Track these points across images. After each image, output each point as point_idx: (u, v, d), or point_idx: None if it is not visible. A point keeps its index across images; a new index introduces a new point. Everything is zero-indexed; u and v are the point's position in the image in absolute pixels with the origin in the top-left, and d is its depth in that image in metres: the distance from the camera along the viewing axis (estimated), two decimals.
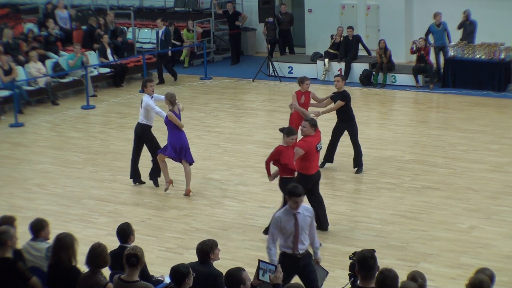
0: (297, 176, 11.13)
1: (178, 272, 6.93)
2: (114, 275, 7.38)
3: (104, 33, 22.60)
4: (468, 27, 20.65)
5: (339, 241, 11.19)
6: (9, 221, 8.32)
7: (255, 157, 14.98)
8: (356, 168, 14.19)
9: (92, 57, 21.91)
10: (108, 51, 22.04)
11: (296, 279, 8.49)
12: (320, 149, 11.25)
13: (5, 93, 19.25)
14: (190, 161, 13.24)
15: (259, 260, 7.34)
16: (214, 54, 25.62)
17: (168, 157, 13.17)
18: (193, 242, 9.95)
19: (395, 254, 10.72)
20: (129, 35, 25.19)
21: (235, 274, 6.81)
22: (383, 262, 8.78)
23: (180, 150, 13.03)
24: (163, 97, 13.37)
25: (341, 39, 21.60)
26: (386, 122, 17.94)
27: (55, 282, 7.52)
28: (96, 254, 7.28)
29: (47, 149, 16.61)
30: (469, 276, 6.62)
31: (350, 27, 21.59)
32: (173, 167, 13.79)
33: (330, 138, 14.17)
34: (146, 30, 25.61)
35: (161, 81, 22.14)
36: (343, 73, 21.03)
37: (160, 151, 13.23)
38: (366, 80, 21.09)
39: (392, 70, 21.14)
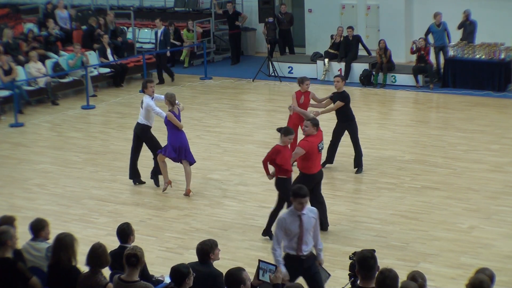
0: (299, 176, 11.13)
1: (178, 272, 6.93)
2: (114, 275, 7.38)
3: (104, 33, 22.60)
4: (468, 27, 20.65)
5: (339, 241, 11.19)
6: (9, 221, 8.32)
7: (255, 157, 14.97)
8: (356, 168, 14.20)
9: (92, 57, 21.91)
10: (108, 51, 22.05)
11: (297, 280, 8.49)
12: (322, 148, 11.24)
13: (5, 93, 19.25)
14: (192, 161, 13.24)
15: (259, 260, 7.35)
16: (214, 54, 25.62)
17: (168, 158, 13.17)
18: (193, 242, 9.95)
19: (395, 254, 10.72)
20: (129, 35, 25.20)
21: (235, 274, 6.81)
22: (383, 262, 8.78)
23: (179, 150, 13.03)
24: (163, 97, 13.37)
25: (341, 39, 21.61)
26: (386, 122, 17.94)
27: (55, 282, 7.52)
28: (97, 254, 7.29)
29: (47, 149, 16.61)
30: (469, 276, 6.62)
31: (350, 27, 21.60)
32: (173, 167, 13.79)
33: (331, 138, 14.17)
34: (146, 30, 25.61)
35: (161, 81, 22.15)
36: (343, 73, 21.06)
37: (160, 151, 13.23)
38: (366, 80, 21.09)
39: (392, 70, 21.14)
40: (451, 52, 20.51)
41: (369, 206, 12.66)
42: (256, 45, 26.28)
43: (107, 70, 22.07)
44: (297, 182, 10.92)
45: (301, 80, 14.23)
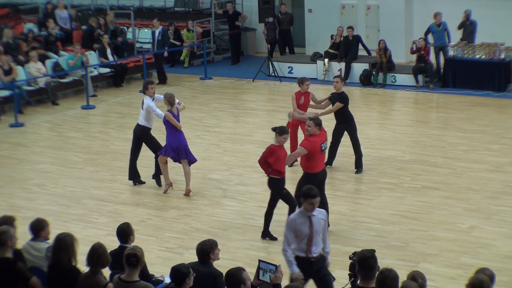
0: (302, 175, 11.13)
1: (178, 272, 6.93)
2: (114, 275, 7.38)
3: (104, 33, 22.60)
4: (468, 27, 20.65)
5: (339, 241, 11.19)
6: (9, 221, 8.32)
7: (255, 157, 14.87)
8: (356, 169, 14.20)
9: (92, 57, 21.91)
10: (108, 51, 22.04)
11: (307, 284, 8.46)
12: (325, 148, 11.18)
13: (5, 93, 19.25)
14: (193, 160, 13.23)
15: (259, 260, 7.34)
16: (214, 54, 25.61)
17: (168, 158, 13.18)
18: (193, 242, 9.95)
19: (395, 254, 10.72)
20: (129, 35, 25.19)
21: (235, 274, 6.81)
22: (383, 262, 8.77)
23: (178, 150, 13.03)
24: (163, 97, 13.36)
25: (341, 39, 21.60)
26: (386, 122, 17.94)
27: (55, 282, 7.52)
28: (98, 254, 7.29)
29: (47, 149, 16.62)
30: (469, 276, 6.62)
31: (350, 27, 21.59)
32: (173, 167, 13.79)
33: (331, 140, 14.16)
34: (146, 30, 25.59)
35: (163, 81, 22.13)
36: (343, 73, 21.07)
37: (160, 152, 13.23)
38: (366, 80, 21.09)
39: (392, 70, 21.14)
40: (451, 52, 20.51)
41: (369, 206, 12.66)
42: (256, 45, 26.28)
43: (107, 70, 22.07)
44: (301, 182, 10.95)
45: (301, 81, 14.22)
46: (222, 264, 8.38)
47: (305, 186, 8.71)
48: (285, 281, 7.22)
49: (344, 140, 14.21)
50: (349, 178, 14.00)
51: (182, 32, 24.42)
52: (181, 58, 24.65)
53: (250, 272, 7.11)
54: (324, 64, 21.78)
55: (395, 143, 15.97)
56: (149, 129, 13.61)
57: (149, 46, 24.80)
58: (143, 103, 13.49)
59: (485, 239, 11.22)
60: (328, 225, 11.46)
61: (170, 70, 23.83)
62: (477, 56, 20.18)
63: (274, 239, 11.38)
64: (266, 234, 11.42)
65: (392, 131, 17.00)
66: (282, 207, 11.51)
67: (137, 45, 25.00)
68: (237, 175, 14.32)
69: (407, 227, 11.71)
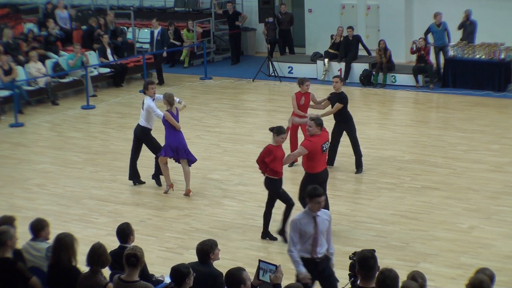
0: (304, 175, 11.12)
1: (178, 272, 6.93)
2: (114, 275, 7.38)
3: (104, 33, 22.60)
4: (468, 27, 20.65)
5: (339, 241, 11.17)
6: (9, 221, 8.32)
7: (255, 157, 14.87)
8: (356, 169, 14.19)
9: (92, 57, 21.91)
10: (108, 51, 22.04)
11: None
12: (326, 149, 11.09)
13: (5, 93, 19.25)
14: (193, 159, 13.23)
15: (259, 260, 7.34)
16: (214, 54, 25.62)
17: (169, 158, 13.18)
18: (193, 242, 9.95)
19: (395, 254, 10.72)
20: (129, 35, 25.20)
21: (236, 274, 6.81)
22: (383, 262, 8.78)
23: (178, 150, 13.03)
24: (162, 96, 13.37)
25: (341, 39, 21.61)
26: (386, 122, 17.94)
27: (55, 282, 7.52)
28: (98, 254, 7.29)
29: (47, 149, 16.62)
30: (469, 276, 6.62)
31: (350, 27, 21.60)
32: (173, 167, 13.79)
33: (330, 140, 14.15)
34: (146, 30, 25.57)
35: (161, 82, 22.13)
36: (343, 73, 21.09)
37: (160, 154, 13.22)
38: (366, 80, 21.09)
39: (392, 70, 21.14)
40: (451, 52, 20.51)
41: (369, 206, 12.66)
42: (256, 45, 26.28)
43: (107, 70, 22.07)
44: (303, 183, 10.93)
45: (301, 81, 14.20)
46: (222, 264, 8.38)
47: (309, 186, 8.67)
48: (285, 281, 7.21)
49: (344, 140, 14.21)
50: (349, 178, 14.00)
51: (182, 32, 24.42)
52: (181, 58, 24.66)
53: (250, 272, 7.11)
54: (324, 64, 21.78)
55: (395, 143, 15.97)
56: (149, 129, 13.61)
57: (148, 46, 24.81)
58: (143, 103, 13.48)
59: (485, 239, 11.22)
60: None
61: (170, 70, 23.86)
62: (477, 56, 20.18)
63: (274, 239, 11.38)
64: (266, 234, 11.42)
65: (392, 131, 17.00)
66: (281, 207, 11.52)
67: (137, 45, 25.00)
68: (237, 175, 14.32)
69: (407, 227, 11.71)
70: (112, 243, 8.35)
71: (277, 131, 11.09)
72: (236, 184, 13.90)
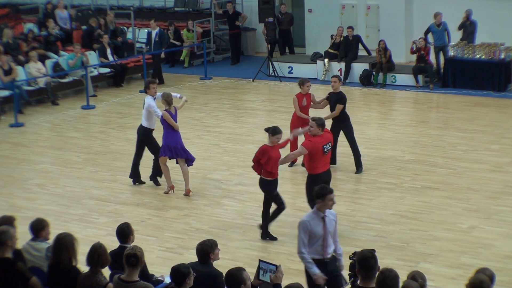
0: (307, 177, 11.10)
1: (178, 272, 6.93)
2: (114, 275, 7.38)
3: (104, 33, 22.60)
4: (468, 27, 20.65)
5: (339, 241, 11.15)
6: (9, 221, 8.32)
7: None
8: (356, 169, 14.18)
9: (92, 57, 21.91)
10: (108, 51, 22.04)
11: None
12: (327, 150, 10.98)
13: (5, 93, 19.25)
14: (191, 158, 13.23)
15: (260, 260, 7.33)
16: (214, 54, 25.61)
17: (169, 158, 13.18)
18: (193, 242, 9.94)
19: (395, 254, 10.73)
20: (129, 35, 25.19)
21: (236, 274, 6.81)
22: (383, 262, 8.77)
23: (176, 150, 13.02)
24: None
25: (341, 39, 21.61)
26: (386, 122, 17.94)
27: (55, 282, 7.52)
28: (98, 254, 7.29)
29: (47, 149, 16.61)
30: (469, 276, 6.62)
31: (350, 27, 21.60)
32: (173, 167, 13.78)
33: None
34: (146, 30, 25.55)
35: (161, 81, 22.13)
36: (343, 73, 21.09)
37: (160, 154, 13.21)
38: (366, 80, 21.09)
39: (392, 70, 21.14)
40: (451, 52, 20.51)
41: (369, 206, 12.66)
42: (256, 45, 26.28)
43: (107, 70, 22.07)
44: (308, 185, 10.93)
45: (302, 82, 14.18)
46: (222, 264, 8.38)
47: (315, 187, 8.62)
48: (285, 281, 7.20)
49: (344, 140, 14.21)
50: (349, 178, 14.00)
51: (182, 32, 24.42)
52: (181, 58, 24.65)
53: (250, 272, 7.11)
54: (324, 64, 21.78)
55: (395, 143, 15.97)
56: (151, 130, 13.61)
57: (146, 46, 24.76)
58: (144, 102, 13.49)
59: (485, 239, 11.22)
60: None
61: (170, 70, 23.87)
62: (477, 56, 20.18)
63: (274, 239, 11.38)
64: (266, 234, 11.42)
65: (392, 131, 16.99)
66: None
67: (137, 45, 24.98)
68: (237, 175, 14.32)
69: (407, 227, 11.71)
70: (112, 243, 8.35)
71: (273, 131, 11.08)
72: (236, 184, 13.90)
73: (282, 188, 12.42)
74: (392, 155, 15.15)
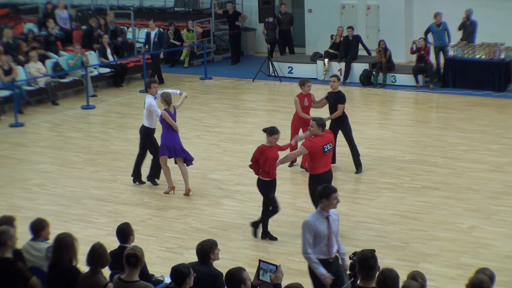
0: (309, 177, 11.10)
1: (178, 272, 6.93)
2: (114, 275, 7.38)
3: (104, 33, 22.60)
4: (468, 27, 20.64)
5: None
6: (9, 221, 8.32)
7: None
8: (356, 168, 14.18)
9: (92, 57, 21.91)
10: (108, 51, 22.04)
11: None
12: (328, 150, 10.95)
13: (5, 93, 19.25)
14: (191, 159, 13.23)
15: (260, 260, 7.33)
16: (214, 54, 25.61)
17: (168, 157, 13.18)
18: (193, 242, 9.94)
19: (395, 254, 10.73)
20: (129, 35, 25.19)
21: (236, 274, 6.81)
22: (383, 262, 8.77)
23: (175, 149, 13.02)
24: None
25: (341, 39, 21.60)
26: (386, 122, 17.94)
27: (55, 282, 7.52)
28: (98, 254, 7.28)
29: (47, 149, 16.61)
30: (469, 276, 6.62)
31: (350, 27, 21.59)
32: (173, 167, 13.77)
33: None
34: (146, 30, 25.56)
35: (161, 81, 22.13)
36: (343, 73, 21.09)
37: (160, 154, 13.21)
38: (366, 80, 21.09)
39: (392, 70, 21.14)
40: (451, 52, 20.51)
41: (369, 206, 12.66)
42: (256, 45, 26.28)
43: (107, 70, 22.07)
44: (310, 185, 10.92)
45: (303, 83, 14.17)
46: (222, 264, 8.39)
47: (318, 187, 8.60)
48: (285, 281, 7.21)
49: (343, 140, 14.21)
50: (349, 178, 13.99)
51: (182, 32, 24.42)
52: (181, 58, 24.65)
53: (250, 272, 7.11)
54: (324, 64, 21.78)
55: (395, 143, 15.97)
56: (152, 130, 13.61)
57: (144, 47, 24.73)
58: (145, 102, 13.49)
59: (485, 239, 11.22)
60: None
61: (170, 70, 23.87)
62: (477, 56, 20.17)
63: (274, 239, 11.38)
64: (266, 234, 11.42)
65: (392, 131, 16.99)
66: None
67: (137, 45, 24.98)
68: (237, 175, 14.31)
69: (407, 227, 11.71)
70: (112, 243, 8.35)
71: (270, 131, 11.08)
72: (236, 184, 13.90)
73: (282, 188, 12.45)
74: (392, 155, 15.15)
